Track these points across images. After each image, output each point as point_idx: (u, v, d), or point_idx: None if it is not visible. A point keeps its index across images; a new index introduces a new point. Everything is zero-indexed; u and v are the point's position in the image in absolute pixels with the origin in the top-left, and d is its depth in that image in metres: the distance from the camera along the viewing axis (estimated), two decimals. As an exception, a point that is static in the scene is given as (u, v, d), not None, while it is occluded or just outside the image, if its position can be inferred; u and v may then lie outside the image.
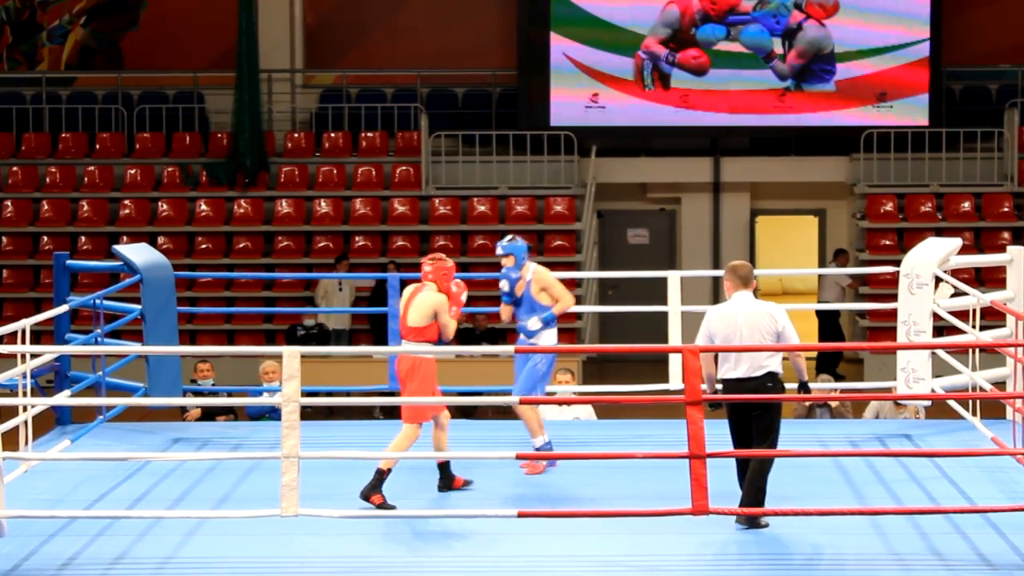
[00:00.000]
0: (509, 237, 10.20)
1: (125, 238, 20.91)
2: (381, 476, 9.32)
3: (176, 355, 11.72)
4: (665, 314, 11.77)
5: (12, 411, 9.70)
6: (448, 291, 9.62)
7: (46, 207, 21.97)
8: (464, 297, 9.67)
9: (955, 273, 11.44)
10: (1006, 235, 21.09)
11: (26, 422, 9.78)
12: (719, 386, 8.93)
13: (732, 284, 9.00)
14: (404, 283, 10.20)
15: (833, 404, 13.83)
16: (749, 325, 8.86)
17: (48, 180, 22.20)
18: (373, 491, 9.29)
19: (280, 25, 23.02)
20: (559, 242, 21.57)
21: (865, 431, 11.64)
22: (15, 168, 22.25)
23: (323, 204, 21.93)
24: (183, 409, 13.28)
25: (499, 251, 10.14)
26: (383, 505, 9.27)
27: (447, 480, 9.66)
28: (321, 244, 21.66)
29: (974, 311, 10.69)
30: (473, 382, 14.85)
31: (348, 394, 13.50)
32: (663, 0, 21.71)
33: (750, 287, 9.01)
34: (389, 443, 9.44)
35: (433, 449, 9.56)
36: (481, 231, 21.65)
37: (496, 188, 21.92)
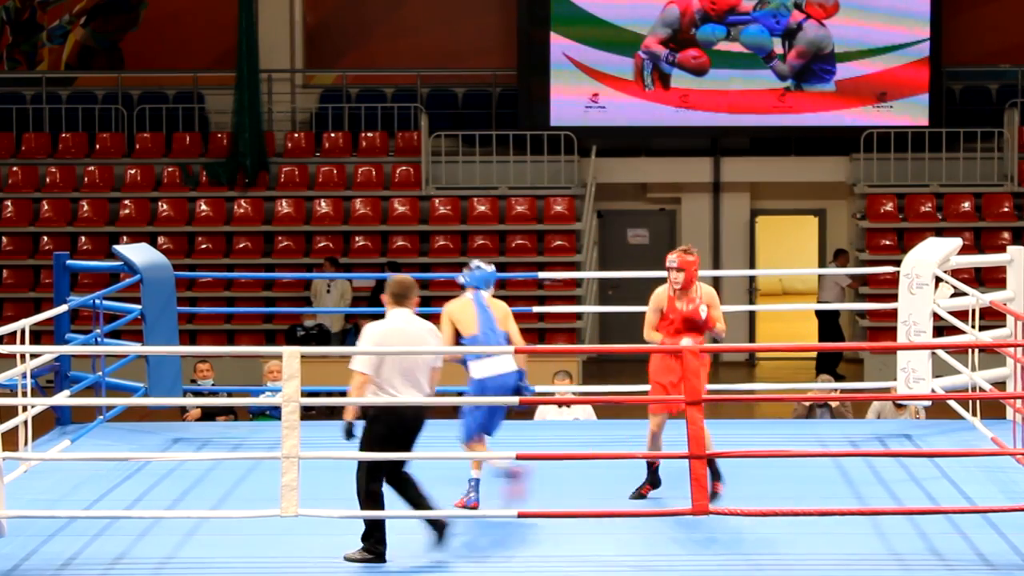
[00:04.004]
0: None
1: (125, 238, 20.90)
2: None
3: (176, 355, 11.72)
4: (665, 314, 11.72)
5: (12, 411, 9.70)
6: None
7: (46, 207, 21.96)
8: None
9: (955, 273, 11.44)
10: (1006, 235, 21.08)
11: (26, 422, 9.79)
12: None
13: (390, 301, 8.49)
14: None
15: (833, 404, 13.83)
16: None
17: (48, 180, 22.19)
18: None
19: (280, 25, 23.01)
20: (559, 242, 21.56)
21: (865, 431, 11.65)
22: (15, 168, 22.23)
23: (323, 204, 21.91)
24: (183, 409, 13.28)
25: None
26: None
27: (653, 480, 9.65)
28: (321, 244, 21.65)
29: (974, 311, 10.69)
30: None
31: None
32: (663, 0, 21.71)
33: (408, 305, 8.54)
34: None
35: None
36: (481, 231, 21.64)
37: (496, 188, 21.91)
